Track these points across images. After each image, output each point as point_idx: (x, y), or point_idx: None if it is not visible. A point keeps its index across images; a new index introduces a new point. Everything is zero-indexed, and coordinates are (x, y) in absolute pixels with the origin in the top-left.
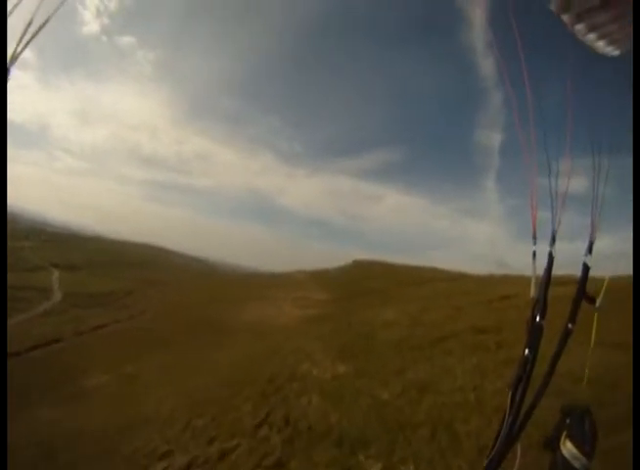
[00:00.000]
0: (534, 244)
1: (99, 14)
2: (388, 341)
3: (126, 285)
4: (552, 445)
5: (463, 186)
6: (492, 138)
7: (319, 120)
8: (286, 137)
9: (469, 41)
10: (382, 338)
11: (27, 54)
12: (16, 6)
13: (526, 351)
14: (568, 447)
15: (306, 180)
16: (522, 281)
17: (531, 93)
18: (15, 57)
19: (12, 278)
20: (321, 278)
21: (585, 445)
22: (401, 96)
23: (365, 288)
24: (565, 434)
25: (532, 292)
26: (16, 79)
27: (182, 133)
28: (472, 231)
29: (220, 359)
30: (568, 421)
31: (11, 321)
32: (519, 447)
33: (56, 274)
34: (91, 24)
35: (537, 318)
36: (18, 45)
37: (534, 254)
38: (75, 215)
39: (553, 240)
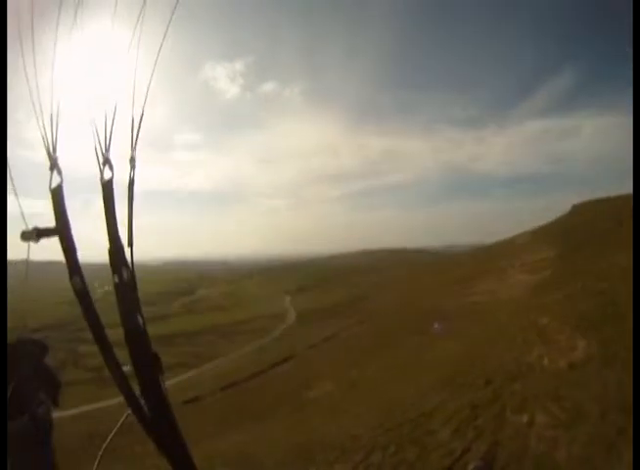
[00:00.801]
0: None
1: (231, 78)
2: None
3: (356, 292)
4: None
5: None
6: None
7: (479, 80)
8: (456, 106)
9: None
10: (624, 292)
11: (195, 137)
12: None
13: None
14: None
15: (495, 139)
16: None
17: None
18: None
19: (241, 314)
20: (543, 235)
21: None
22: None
23: (590, 233)
24: None
25: None
26: (193, 160)
27: (358, 140)
28: None
29: (436, 356)
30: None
31: (242, 351)
32: None
33: (288, 299)
34: (230, 90)
35: None
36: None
37: None
38: (290, 246)
39: None
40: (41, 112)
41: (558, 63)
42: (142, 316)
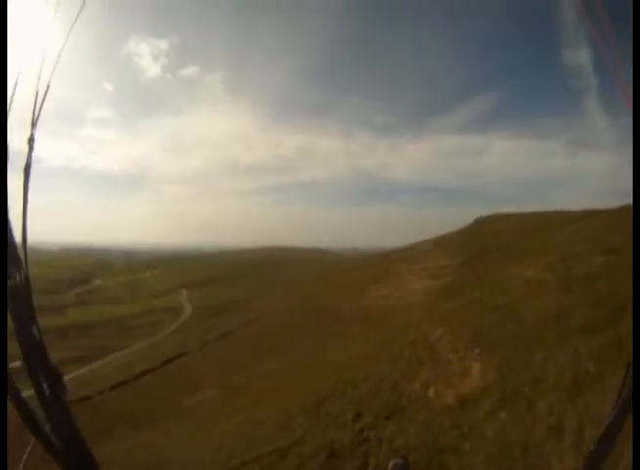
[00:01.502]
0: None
1: (155, 57)
2: (537, 311)
3: (250, 290)
4: None
5: (567, 115)
6: (581, 56)
7: (401, 88)
8: (375, 112)
9: None
10: (527, 308)
11: (106, 113)
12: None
13: None
14: None
15: (409, 148)
16: None
17: None
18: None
19: (135, 306)
20: (445, 244)
21: None
22: (478, 41)
23: (492, 245)
24: None
25: None
26: (103, 137)
27: (274, 136)
28: (589, 163)
29: (326, 361)
30: None
31: (135, 347)
32: None
33: (184, 293)
34: (152, 69)
35: None
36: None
37: None
38: (193, 237)
39: None
40: None
41: (480, 86)
42: (38, 328)
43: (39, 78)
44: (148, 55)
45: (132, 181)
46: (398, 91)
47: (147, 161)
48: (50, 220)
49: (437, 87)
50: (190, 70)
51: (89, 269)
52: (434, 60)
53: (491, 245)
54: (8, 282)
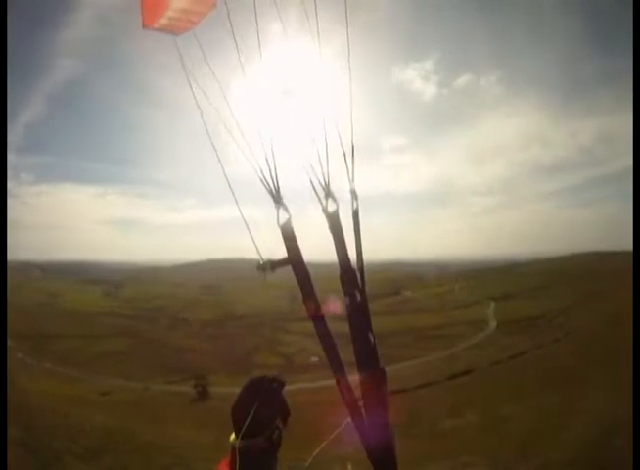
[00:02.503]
0: None
1: (425, 78)
2: None
3: (562, 303)
4: None
5: None
6: None
7: None
8: None
9: None
10: None
11: (400, 141)
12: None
13: None
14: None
15: None
16: None
17: None
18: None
19: (439, 318)
20: None
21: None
22: None
23: None
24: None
25: None
26: (401, 162)
27: (570, 125)
28: None
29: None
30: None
31: (431, 357)
32: None
33: (492, 306)
34: (427, 90)
35: None
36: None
37: None
38: (504, 247)
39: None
40: (253, 155)
41: None
42: (373, 335)
43: (340, 137)
44: (417, 78)
45: (437, 198)
46: None
47: (448, 177)
48: (365, 241)
49: None
50: (463, 79)
51: (400, 282)
52: None
53: None
54: (347, 300)
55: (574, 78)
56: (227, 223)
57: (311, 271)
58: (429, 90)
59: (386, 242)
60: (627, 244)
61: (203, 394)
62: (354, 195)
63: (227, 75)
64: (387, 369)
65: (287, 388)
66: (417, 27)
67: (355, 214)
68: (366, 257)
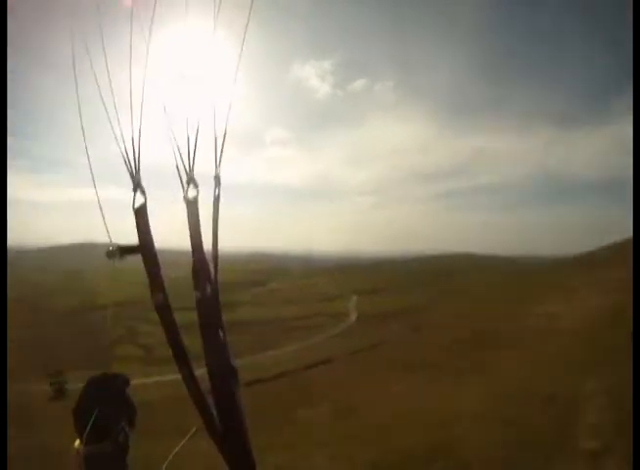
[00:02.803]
0: None
1: (322, 77)
2: None
3: (423, 299)
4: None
5: None
6: None
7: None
8: (551, 101)
9: None
10: None
11: (285, 134)
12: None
13: None
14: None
15: (591, 141)
16: None
17: None
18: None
19: (300, 310)
20: (622, 250)
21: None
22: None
23: None
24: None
25: None
26: (283, 158)
27: (448, 140)
28: None
29: (464, 386)
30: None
31: (292, 347)
32: None
33: (354, 300)
34: (322, 88)
35: None
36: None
37: None
38: (373, 245)
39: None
40: (122, 134)
41: None
42: (223, 331)
43: (214, 119)
44: (314, 76)
45: (314, 193)
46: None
47: (326, 174)
48: (236, 230)
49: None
50: (359, 83)
51: (268, 274)
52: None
53: None
54: (197, 293)
55: (463, 97)
56: (95, 204)
57: (172, 259)
58: (323, 89)
59: (257, 233)
60: (493, 248)
61: (59, 392)
62: (218, 181)
63: (117, 49)
64: (248, 359)
65: (144, 381)
66: (324, 27)
67: (216, 202)
68: (235, 246)
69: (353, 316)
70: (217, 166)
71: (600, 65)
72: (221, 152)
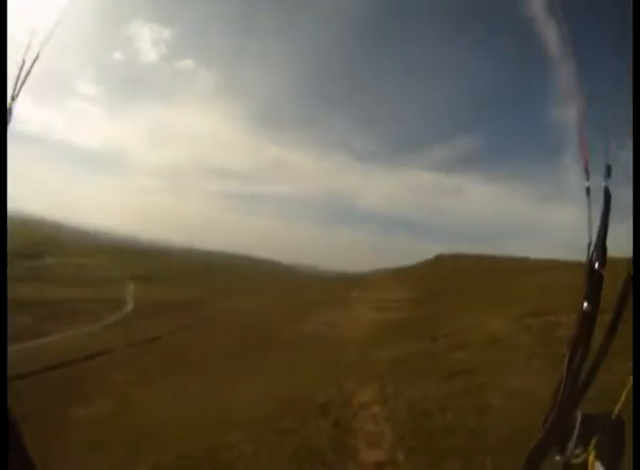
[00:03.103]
0: (587, 179)
1: (155, 44)
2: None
3: (200, 293)
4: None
5: (542, 169)
6: (566, 112)
7: (388, 116)
8: (358, 136)
9: (528, 12)
10: (493, 385)
11: (94, 89)
12: None
13: (585, 303)
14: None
15: (383, 178)
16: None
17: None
18: (13, 97)
19: (78, 292)
20: (403, 276)
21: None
22: (465, 80)
23: (453, 283)
24: (593, 454)
25: (588, 236)
26: (87, 114)
27: (254, 144)
28: (556, 216)
29: (241, 389)
30: (595, 437)
31: (66, 334)
32: (578, 416)
33: (132, 287)
34: (149, 55)
35: (596, 266)
36: (15, 86)
37: (588, 190)
38: (156, 231)
39: (608, 173)
40: None
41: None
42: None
43: (28, 47)
44: (148, 40)
45: (105, 163)
46: (384, 118)
47: (124, 145)
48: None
49: (420, 120)
50: (186, 63)
51: (42, 243)
52: (426, 93)
53: (452, 284)
54: None
55: (283, 108)
56: None
57: None
58: (150, 56)
59: (39, 196)
60: (276, 254)
61: None
62: (9, 118)
63: None
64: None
65: None
66: None
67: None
68: (13, 208)
69: (130, 305)
70: (14, 98)
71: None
72: (24, 81)
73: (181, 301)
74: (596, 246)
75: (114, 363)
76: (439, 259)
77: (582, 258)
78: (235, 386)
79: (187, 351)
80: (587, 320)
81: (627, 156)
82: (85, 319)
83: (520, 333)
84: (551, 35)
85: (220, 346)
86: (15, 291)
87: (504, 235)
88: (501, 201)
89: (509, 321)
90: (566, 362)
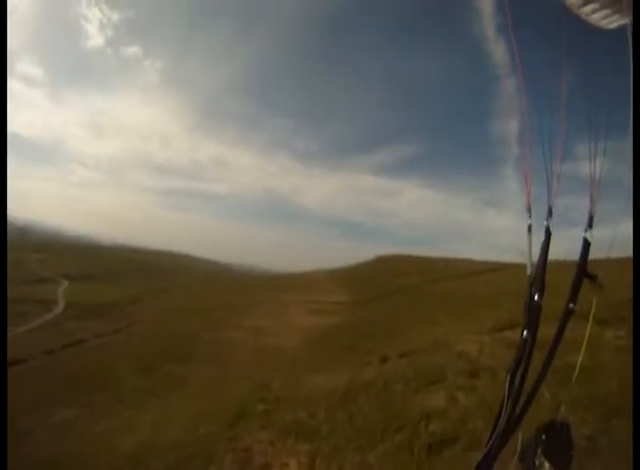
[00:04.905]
0: (530, 217)
1: (102, 27)
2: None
3: (134, 293)
4: (527, 459)
5: (482, 176)
6: (508, 126)
7: (332, 119)
8: (301, 137)
9: (478, 29)
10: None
11: (35, 71)
12: None
13: (525, 332)
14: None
15: (324, 179)
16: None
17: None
18: None
19: (12, 291)
20: (341, 277)
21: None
22: (413, 89)
23: (393, 286)
24: (540, 452)
25: (529, 269)
26: (25, 96)
27: (195, 140)
28: (493, 221)
29: (143, 421)
30: (543, 437)
31: None
32: (519, 436)
33: (65, 285)
34: (95, 38)
35: (535, 297)
36: None
37: (530, 227)
38: (92, 226)
39: (550, 214)
40: None
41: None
42: None
43: None
44: (96, 22)
45: (40, 150)
46: (331, 121)
47: (61, 131)
48: None
49: (364, 124)
50: (132, 50)
51: None
52: (372, 97)
53: (394, 285)
54: None
55: (226, 105)
56: None
57: None
58: (96, 40)
59: None
60: (207, 251)
61: None
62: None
63: None
64: None
65: None
66: None
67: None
68: None
69: (61, 306)
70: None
71: None
72: None
73: (111, 301)
74: (536, 278)
75: (34, 373)
76: (379, 260)
77: (511, 259)
78: (137, 416)
79: (106, 359)
80: (526, 347)
81: (569, 168)
82: (11, 322)
83: (503, 353)
84: (499, 52)
85: (141, 355)
86: None
87: (444, 238)
88: (441, 205)
89: (486, 336)
90: (506, 386)
